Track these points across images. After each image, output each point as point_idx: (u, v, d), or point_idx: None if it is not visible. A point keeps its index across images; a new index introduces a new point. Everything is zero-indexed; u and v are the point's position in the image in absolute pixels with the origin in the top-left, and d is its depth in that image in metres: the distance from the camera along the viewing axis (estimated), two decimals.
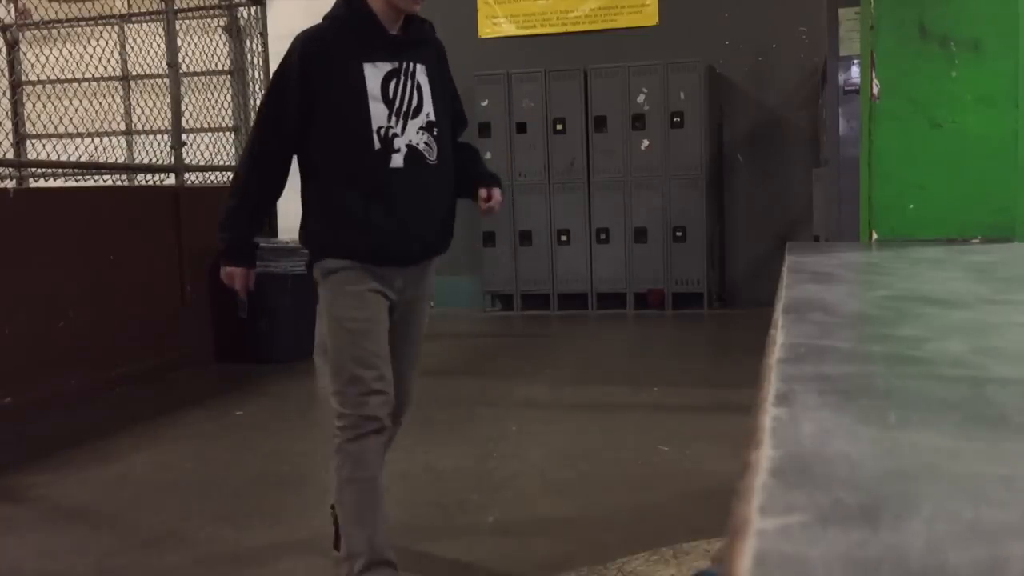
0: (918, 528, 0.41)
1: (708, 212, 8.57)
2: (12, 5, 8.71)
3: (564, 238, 8.79)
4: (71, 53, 7.38)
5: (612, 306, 8.72)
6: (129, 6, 8.03)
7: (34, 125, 7.54)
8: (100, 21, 8.36)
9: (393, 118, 2.57)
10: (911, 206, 2.41)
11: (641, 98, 8.54)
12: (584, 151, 8.66)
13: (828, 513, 0.43)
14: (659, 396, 5.33)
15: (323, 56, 2.57)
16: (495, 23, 9.38)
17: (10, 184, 8.42)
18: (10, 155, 7.02)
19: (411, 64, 2.62)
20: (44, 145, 6.92)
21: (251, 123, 7.59)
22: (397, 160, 2.56)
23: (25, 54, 8.54)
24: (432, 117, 2.63)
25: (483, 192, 2.76)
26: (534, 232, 8.84)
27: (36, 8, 8.38)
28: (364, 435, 2.54)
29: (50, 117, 6.67)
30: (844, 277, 1.68)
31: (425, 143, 2.62)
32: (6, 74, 8.71)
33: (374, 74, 2.56)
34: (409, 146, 2.58)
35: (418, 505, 3.60)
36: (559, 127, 8.71)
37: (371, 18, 2.58)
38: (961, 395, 0.68)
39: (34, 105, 7.23)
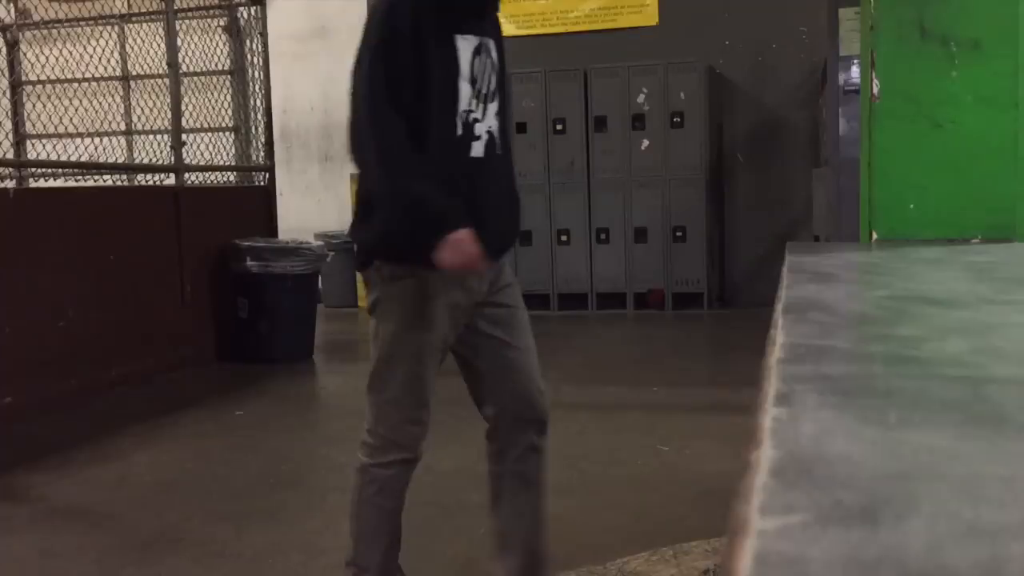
0: (918, 528, 0.41)
1: (708, 212, 8.57)
2: (12, 5, 8.71)
3: (564, 238, 8.79)
4: (71, 53, 7.38)
5: (612, 306, 8.72)
6: (129, 6, 8.03)
7: (34, 125, 7.54)
8: (100, 21, 8.36)
9: (475, 101, 2.26)
10: (911, 206, 2.41)
11: (641, 98, 8.54)
12: (584, 151, 8.66)
13: (828, 513, 0.43)
14: (659, 396, 5.33)
15: (422, 18, 2.17)
16: None
17: (10, 184, 8.42)
18: (10, 155, 7.02)
19: (488, 39, 2.30)
20: (44, 145, 6.93)
21: (251, 123, 7.41)
22: (477, 148, 2.26)
23: (25, 54, 8.54)
24: (502, 99, 2.37)
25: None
26: (534, 232, 8.84)
27: (36, 8, 8.39)
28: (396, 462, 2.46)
29: (50, 117, 6.67)
30: (844, 277, 1.67)
31: (500, 129, 2.34)
32: (6, 74, 8.72)
33: (465, 47, 2.23)
34: (489, 132, 2.29)
35: (418, 505, 3.60)
36: (559, 127, 8.71)
37: None
38: (961, 395, 0.68)
39: (34, 105, 7.23)
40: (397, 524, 2.52)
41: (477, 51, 2.25)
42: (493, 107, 2.30)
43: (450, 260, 2.17)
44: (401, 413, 2.41)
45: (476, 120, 2.26)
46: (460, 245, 2.17)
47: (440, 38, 2.18)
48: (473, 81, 2.24)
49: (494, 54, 2.32)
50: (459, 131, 2.22)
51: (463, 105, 2.23)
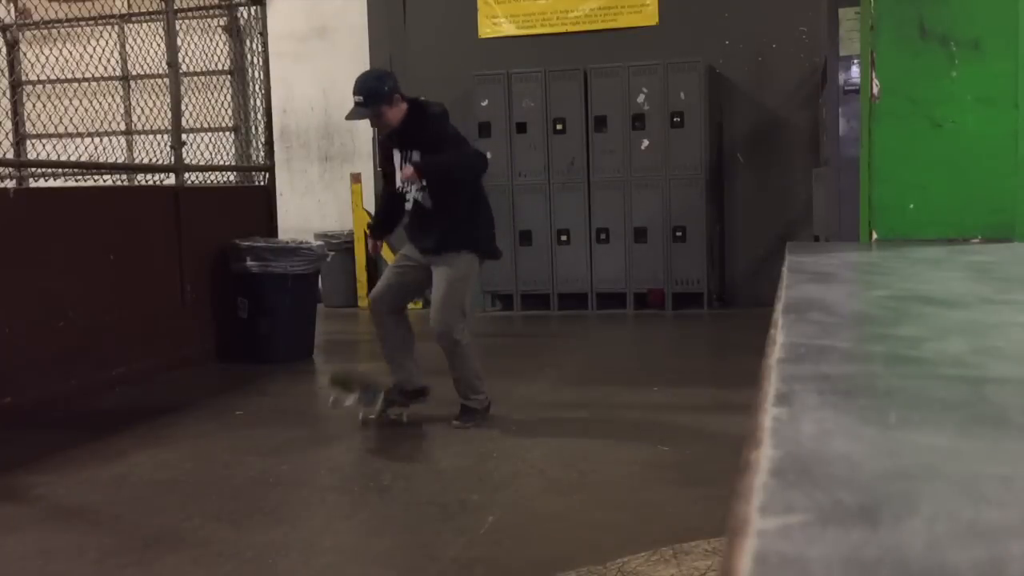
0: (918, 528, 0.41)
1: (708, 212, 8.58)
2: (12, 5, 8.71)
3: (564, 238, 8.79)
4: (71, 53, 7.38)
5: (612, 306, 8.72)
6: (129, 6, 8.03)
7: (34, 125, 7.54)
8: (100, 21, 8.36)
9: (404, 183, 4.54)
10: (911, 206, 2.41)
11: (641, 98, 8.54)
12: (584, 151, 8.66)
13: (828, 513, 0.43)
14: (659, 396, 5.33)
15: (384, 140, 4.73)
16: (495, 23, 9.38)
17: (10, 184, 8.42)
18: (10, 155, 7.02)
19: (409, 152, 4.51)
20: (44, 145, 6.93)
21: (251, 123, 7.98)
22: (408, 206, 4.59)
23: (25, 54, 8.54)
24: (424, 183, 4.47)
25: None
26: (534, 232, 8.84)
27: (36, 8, 8.39)
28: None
29: (50, 117, 6.67)
30: (844, 277, 1.67)
31: (423, 197, 4.51)
32: (6, 74, 8.72)
33: (396, 156, 4.59)
34: (413, 200, 4.54)
35: (418, 505, 3.60)
36: (559, 127, 8.71)
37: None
38: (961, 395, 0.68)
39: (34, 105, 7.23)
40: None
41: (402, 158, 4.54)
42: (414, 187, 4.51)
43: (369, 248, 5.06)
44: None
45: (406, 193, 4.57)
46: (373, 249, 4.97)
47: (390, 151, 4.64)
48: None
49: (416, 158, 4.47)
50: (400, 192, 4.62)
51: (400, 185, 4.58)
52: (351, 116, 4.54)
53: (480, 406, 4.65)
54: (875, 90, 2.41)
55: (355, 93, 4.47)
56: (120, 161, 8.73)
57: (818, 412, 0.60)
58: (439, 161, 4.50)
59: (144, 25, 7.87)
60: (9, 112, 8.10)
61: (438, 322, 4.52)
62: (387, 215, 4.83)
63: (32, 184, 8.82)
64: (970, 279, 1.55)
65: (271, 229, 7.36)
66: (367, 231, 4.99)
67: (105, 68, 7.66)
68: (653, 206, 8.57)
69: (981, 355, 0.85)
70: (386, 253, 7.13)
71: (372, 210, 9.60)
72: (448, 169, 4.53)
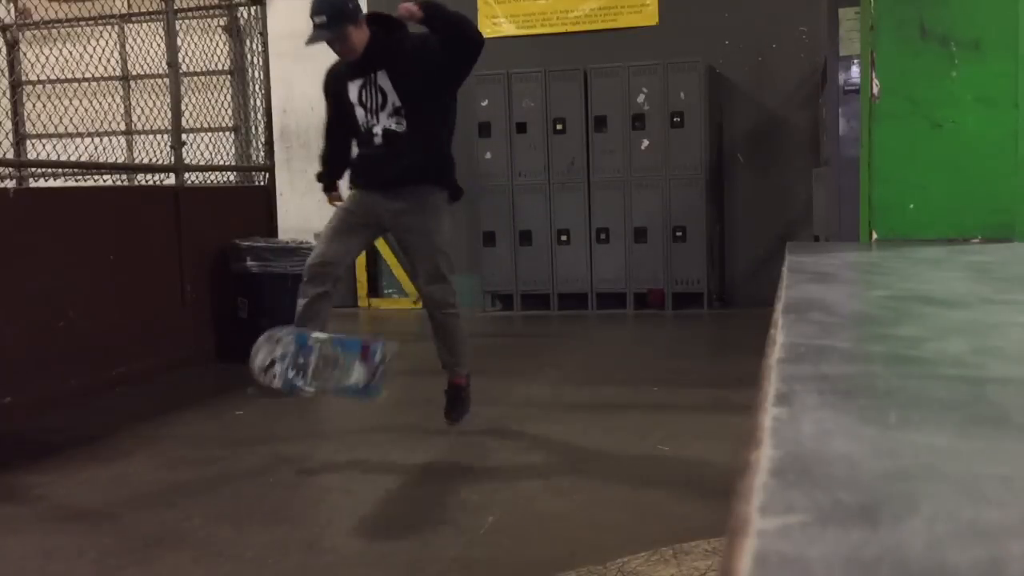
0: (918, 528, 0.41)
1: (708, 212, 8.58)
2: (12, 5, 8.71)
3: (564, 238, 8.79)
4: (71, 53, 7.38)
5: (612, 306, 8.72)
6: (129, 6, 8.04)
7: (34, 125, 7.54)
8: (100, 21, 8.36)
9: (369, 115, 4.09)
10: (911, 206, 2.41)
11: (641, 98, 8.54)
12: (584, 151, 8.66)
13: (828, 513, 0.43)
14: (659, 396, 5.33)
15: (331, 79, 4.28)
16: (495, 23, 9.38)
17: (10, 184, 8.42)
18: (10, 155, 7.02)
19: (373, 73, 4.06)
20: (44, 145, 6.93)
21: (251, 123, 7.96)
22: (377, 138, 4.11)
23: (25, 54, 8.54)
24: (397, 104, 4.05)
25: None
26: (534, 232, 8.84)
27: (36, 8, 8.39)
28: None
29: (50, 117, 6.67)
30: (844, 277, 1.67)
31: (396, 122, 4.07)
32: (6, 74, 8.72)
33: (354, 88, 4.11)
34: (384, 128, 4.08)
35: (418, 505, 3.60)
36: (559, 127, 8.71)
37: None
38: (961, 395, 0.68)
39: (34, 105, 7.23)
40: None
41: (364, 85, 4.08)
42: (385, 112, 4.06)
43: (329, 201, 4.53)
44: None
45: (373, 123, 4.10)
46: (329, 200, 4.51)
47: (342, 87, 4.16)
48: (363, 104, 4.11)
49: (382, 80, 4.05)
50: (363, 130, 4.15)
51: (360, 119, 4.13)
52: (312, 40, 3.93)
53: (466, 377, 4.38)
54: (875, 90, 2.41)
55: (315, 13, 3.87)
56: (120, 161, 8.73)
57: (818, 412, 0.60)
58: (444, 9, 3.98)
59: (144, 25, 7.87)
60: (9, 112, 8.10)
61: (440, 291, 4.18)
62: (337, 163, 4.40)
63: (32, 184, 8.82)
64: (970, 279, 1.55)
65: (271, 229, 7.36)
66: (321, 183, 4.48)
67: (105, 68, 7.66)
68: (653, 206, 8.57)
69: (981, 355, 0.85)
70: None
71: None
72: (458, 21, 3.98)
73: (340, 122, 4.22)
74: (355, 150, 4.27)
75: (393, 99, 4.01)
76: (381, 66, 4.00)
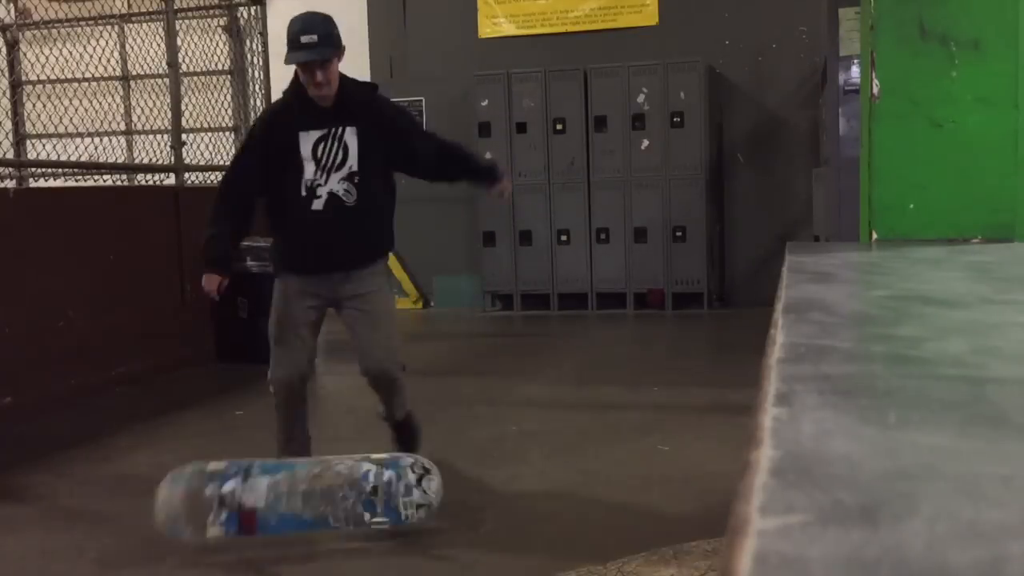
0: (918, 528, 0.41)
1: (708, 212, 8.58)
2: (12, 5, 8.71)
3: (564, 238, 8.79)
4: (71, 53, 7.38)
5: (612, 306, 8.72)
6: (129, 6, 8.03)
7: (34, 125, 7.54)
8: (100, 21, 8.36)
9: (319, 172, 3.44)
10: (911, 206, 2.41)
11: (641, 98, 8.54)
12: (584, 151, 8.66)
13: (828, 513, 0.43)
14: (659, 396, 5.33)
15: (273, 127, 3.53)
16: (495, 23, 9.38)
17: (10, 184, 8.42)
18: (10, 155, 7.02)
19: (340, 128, 3.45)
20: (44, 145, 6.92)
21: (251, 123, 7.81)
22: (318, 204, 3.45)
23: (25, 54, 8.54)
24: (355, 169, 3.45)
25: (491, 190, 3.80)
26: (534, 232, 8.84)
27: (36, 8, 8.38)
28: None
29: (50, 117, 6.67)
30: (844, 277, 1.67)
31: (345, 190, 3.45)
32: (6, 74, 8.72)
33: (307, 139, 3.44)
34: (330, 193, 3.44)
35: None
36: (559, 127, 8.71)
37: (306, 97, 3.45)
38: (961, 395, 0.68)
39: (34, 105, 7.23)
40: None
41: (323, 139, 3.44)
42: (339, 175, 3.44)
43: (204, 288, 3.56)
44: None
45: (319, 185, 3.44)
46: (208, 282, 3.51)
47: (289, 135, 3.44)
48: (316, 159, 3.44)
49: (349, 138, 3.46)
50: (303, 193, 3.44)
51: (307, 177, 3.43)
52: (297, 59, 3.37)
53: (408, 413, 3.83)
54: (875, 90, 2.41)
55: (305, 31, 3.39)
56: (120, 161, 8.73)
57: (818, 412, 0.60)
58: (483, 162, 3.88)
59: (144, 25, 7.87)
60: (9, 112, 8.09)
61: (389, 362, 3.58)
62: (238, 230, 3.58)
63: (32, 184, 8.82)
64: (970, 279, 1.55)
65: None
66: (208, 260, 3.54)
67: (105, 68, 7.66)
68: (653, 206, 8.57)
69: (981, 355, 0.85)
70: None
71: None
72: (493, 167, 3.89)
73: (256, 179, 3.49)
74: (275, 217, 3.58)
75: (352, 162, 3.43)
76: (353, 122, 3.44)
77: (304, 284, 3.53)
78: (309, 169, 3.42)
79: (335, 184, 3.42)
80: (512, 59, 8.99)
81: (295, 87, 3.48)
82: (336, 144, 3.43)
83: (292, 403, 3.69)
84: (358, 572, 3.02)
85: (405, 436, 3.85)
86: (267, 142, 3.48)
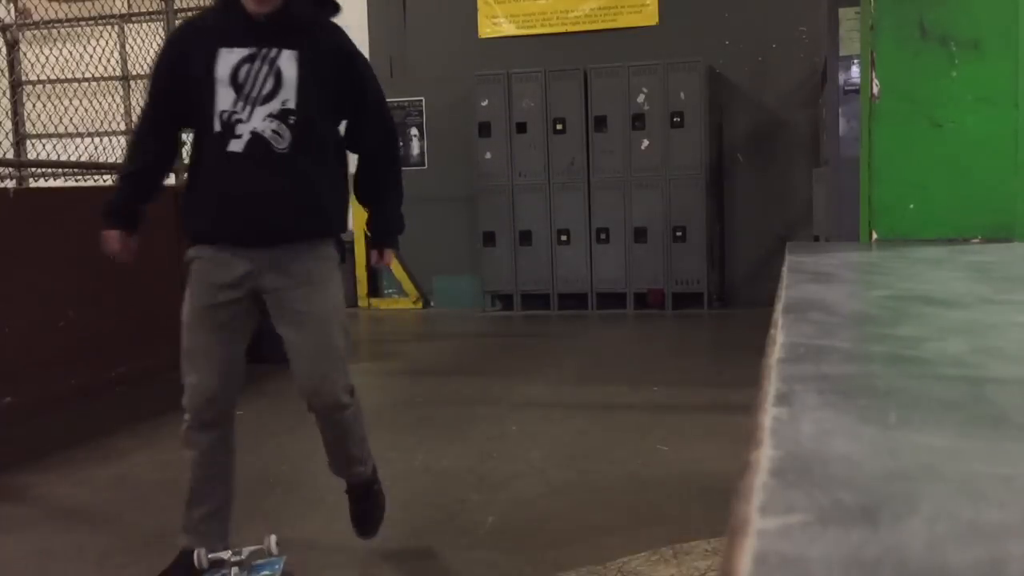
0: (918, 528, 0.41)
1: (708, 212, 8.58)
2: (12, 5, 8.71)
3: (564, 238, 8.79)
4: (71, 53, 7.38)
5: (612, 306, 8.72)
6: (129, 6, 8.03)
7: (34, 125, 7.54)
8: (100, 21, 8.36)
9: (240, 103, 2.58)
10: (911, 206, 2.41)
11: (641, 98, 8.54)
12: (584, 151, 8.66)
13: (828, 513, 0.43)
14: (659, 396, 5.33)
15: (189, 41, 2.69)
16: (495, 23, 9.38)
17: (10, 184, 8.42)
18: (10, 155, 7.02)
19: (274, 50, 2.59)
20: (44, 145, 6.93)
21: None
22: (236, 145, 2.58)
23: (25, 54, 8.54)
24: (290, 105, 2.58)
25: (373, 256, 2.99)
26: (534, 232, 8.84)
27: (36, 8, 8.39)
28: None
29: (50, 117, 6.67)
30: (844, 277, 1.67)
31: (274, 131, 2.58)
32: (6, 74, 8.71)
33: (227, 59, 2.59)
34: (253, 132, 2.58)
35: (418, 505, 3.60)
36: (559, 127, 8.72)
37: (235, 6, 2.61)
38: (961, 395, 0.68)
39: (34, 105, 7.23)
40: None
41: (248, 60, 2.59)
42: (266, 109, 2.58)
43: (105, 249, 2.90)
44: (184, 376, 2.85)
45: (239, 120, 2.58)
46: (106, 241, 2.88)
47: (207, 52, 2.59)
48: (237, 86, 2.58)
49: (286, 63, 2.60)
50: (217, 128, 2.59)
51: (221, 106, 2.58)
52: None
53: (368, 473, 3.03)
54: (875, 90, 2.41)
55: None
56: (120, 161, 8.72)
57: (818, 412, 0.60)
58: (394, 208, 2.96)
59: (144, 25, 7.87)
60: (9, 112, 8.10)
61: (325, 381, 2.74)
62: (151, 177, 2.85)
63: (32, 184, 8.82)
64: (970, 279, 1.55)
65: None
66: (107, 213, 2.84)
67: (105, 68, 7.66)
68: (653, 206, 8.57)
69: (981, 355, 0.85)
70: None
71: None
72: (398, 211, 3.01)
73: (174, 110, 2.72)
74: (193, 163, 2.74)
75: (288, 95, 2.58)
76: (293, 44, 2.60)
77: (217, 261, 2.68)
78: (225, 97, 2.56)
79: (260, 121, 2.56)
80: (512, 59, 8.99)
81: None
82: (266, 68, 2.57)
83: (202, 428, 2.80)
84: (359, 570, 3.02)
85: (362, 508, 3.00)
86: (176, 59, 2.66)
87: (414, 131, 9.47)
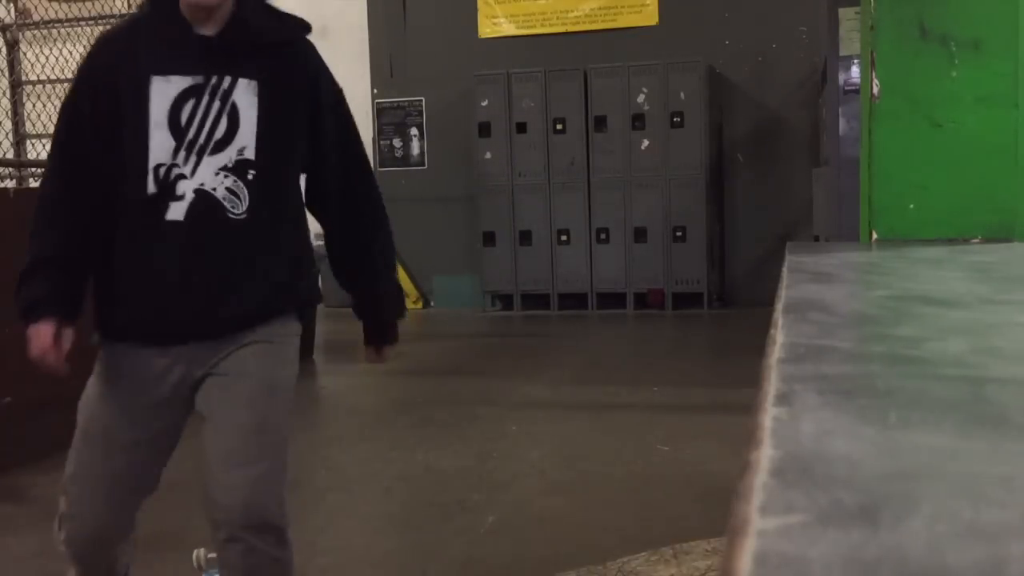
0: (918, 528, 0.41)
1: (708, 212, 8.58)
2: (12, 5, 8.71)
3: (564, 238, 8.79)
4: (71, 53, 7.38)
5: (612, 306, 8.72)
6: (129, 6, 8.03)
7: (34, 125, 7.54)
8: (100, 21, 8.36)
9: (182, 153, 1.89)
10: (911, 206, 2.41)
11: (641, 98, 8.55)
12: (584, 151, 8.66)
13: (828, 513, 0.43)
14: (659, 396, 5.33)
15: (112, 67, 1.93)
16: (495, 23, 9.38)
17: (10, 184, 8.42)
18: (10, 155, 7.02)
19: (227, 78, 1.91)
20: (44, 145, 6.92)
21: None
22: (177, 210, 1.89)
23: (25, 54, 8.54)
24: (249, 155, 1.92)
25: (369, 353, 2.31)
26: (534, 232, 8.84)
27: (36, 8, 8.39)
28: None
29: (50, 117, 6.67)
30: (844, 277, 1.67)
31: (228, 189, 1.91)
32: (6, 74, 8.72)
33: (163, 91, 1.89)
34: (199, 191, 1.89)
35: (418, 505, 3.60)
36: (559, 127, 8.72)
37: (173, 14, 1.90)
38: (961, 395, 0.68)
39: (34, 105, 7.23)
40: None
41: (192, 93, 1.89)
42: (216, 160, 1.90)
43: (31, 352, 2.13)
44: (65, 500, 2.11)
45: (181, 176, 1.89)
46: (34, 338, 2.14)
47: (136, 82, 1.88)
48: (177, 130, 1.88)
49: (242, 97, 1.91)
50: (151, 188, 1.89)
51: (157, 158, 1.88)
52: None
53: None
54: (875, 90, 2.41)
55: None
56: None
57: (818, 412, 0.60)
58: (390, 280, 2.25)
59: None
60: (9, 112, 8.10)
61: (261, 483, 1.92)
62: (82, 265, 2.10)
63: (32, 184, 8.82)
64: (970, 279, 1.55)
65: None
66: (26, 305, 2.16)
67: None
68: (653, 206, 8.57)
69: (981, 355, 0.85)
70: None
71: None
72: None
73: (95, 164, 1.96)
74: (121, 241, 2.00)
75: (246, 140, 1.92)
76: (251, 71, 1.93)
77: (142, 365, 2.03)
78: (162, 144, 1.88)
79: (210, 176, 1.90)
80: (512, 59, 8.99)
81: None
82: (217, 104, 1.90)
83: (87, 570, 2.10)
84: (359, 570, 3.02)
85: None
86: (105, 91, 1.91)
87: (414, 131, 9.47)
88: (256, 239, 1.96)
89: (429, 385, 5.72)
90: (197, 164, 1.90)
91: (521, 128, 8.77)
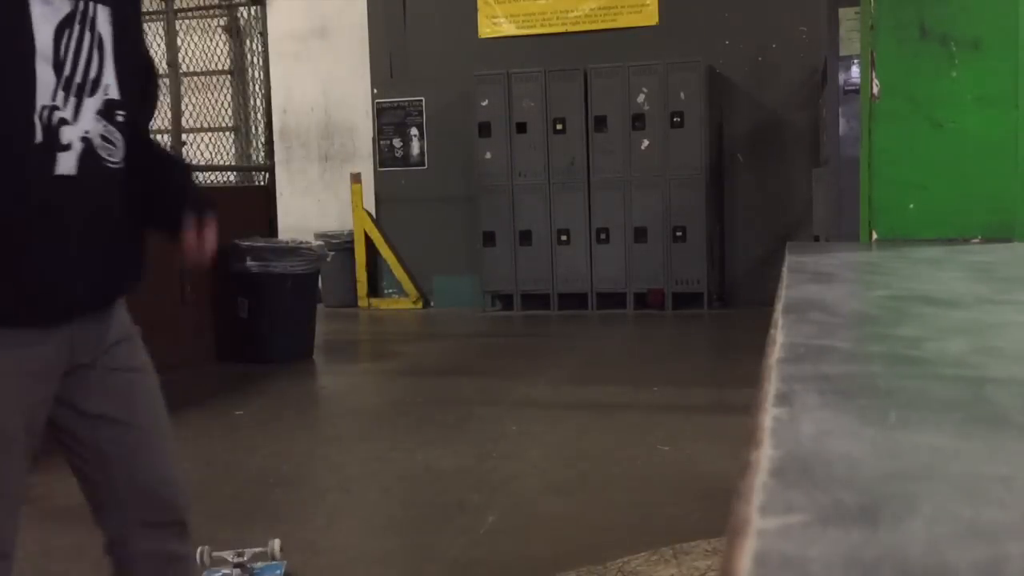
0: (918, 528, 0.41)
1: (708, 212, 8.58)
2: None
3: (564, 238, 8.79)
4: None
5: (612, 306, 8.72)
6: None
7: None
8: None
9: (62, 93, 1.58)
10: (911, 206, 2.41)
11: (641, 98, 8.55)
12: (584, 151, 8.67)
13: (828, 513, 0.43)
14: (659, 396, 5.33)
15: None
16: (495, 23, 9.38)
17: None
18: None
19: (92, 4, 1.62)
20: None
21: (251, 123, 7.30)
22: (67, 162, 1.59)
23: None
24: (113, 94, 1.66)
25: (191, 239, 1.88)
26: (534, 232, 8.84)
27: None
28: None
29: None
30: (844, 277, 1.67)
31: (103, 136, 1.65)
32: None
33: (46, 16, 1.55)
34: (85, 140, 1.61)
35: (418, 505, 3.60)
36: (559, 127, 8.72)
37: None
38: (961, 395, 0.68)
39: None
40: None
41: (68, 21, 1.57)
42: (94, 103, 1.62)
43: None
44: None
45: (64, 122, 1.58)
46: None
47: (11, 4, 1.53)
48: (58, 65, 1.57)
49: (103, 26, 1.64)
50: (39, 137, 1.55)
51: (43, 99, 1.55)
52: None
53: None
54: (875, 90, 2.41)
55: None
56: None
57: (818, 412, 0.60)
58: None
59: (144, 25, 7.86)
60: None
61: (173, 484, 2.06)
62: None
63: None
64: (970, 279, 1.55)
65: (271, 229, 7.36)
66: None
67: None
68: (653, 206, 8.57)
69: (981, 355, 0.85)
70: None
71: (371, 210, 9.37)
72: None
73: None
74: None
75: (109, 77, 1.66)
76: None
77: (30, 355, 1.63)
78: (46, 82, 1.56)
79: (92, 121, 1.63)
80: (512, 59, 8.99)
81: None
82: (88, 36, 1.62)
83: None
84: (359, 570, 3.02)
85: None
86: None
87: (414, 131, 9.47)
88: (126, 193, 1.72)
89: (429, 385, 5.72)
90: (78, 106, 1.60)
91: (521, 128, 8.77)
